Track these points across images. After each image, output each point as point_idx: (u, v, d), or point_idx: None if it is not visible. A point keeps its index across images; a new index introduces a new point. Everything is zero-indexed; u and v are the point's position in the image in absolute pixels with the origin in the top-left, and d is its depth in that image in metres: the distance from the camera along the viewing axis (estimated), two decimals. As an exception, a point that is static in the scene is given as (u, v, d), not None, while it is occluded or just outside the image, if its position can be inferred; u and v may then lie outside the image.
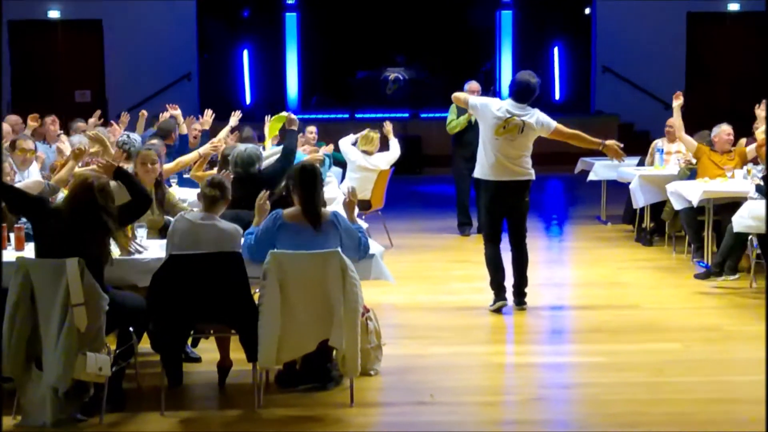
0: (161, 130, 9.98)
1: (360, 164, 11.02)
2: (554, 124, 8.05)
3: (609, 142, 8.05)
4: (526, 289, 8.14)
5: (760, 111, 10.18)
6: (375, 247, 6.51)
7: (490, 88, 20.25)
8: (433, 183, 18.06)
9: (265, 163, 7.97)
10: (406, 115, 20.26)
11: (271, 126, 9.83)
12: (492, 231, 8.16)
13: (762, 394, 6.08)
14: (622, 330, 7.63)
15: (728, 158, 10.12)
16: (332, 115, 20.07)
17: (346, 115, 20.22)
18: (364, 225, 7.12)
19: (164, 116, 10.80)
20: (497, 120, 7.94)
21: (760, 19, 20.39)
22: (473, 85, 11.76)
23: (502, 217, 8.13)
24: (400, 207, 13.76)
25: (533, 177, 8.03)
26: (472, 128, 11.14)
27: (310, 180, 6.10)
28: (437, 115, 20.43)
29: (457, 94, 8.47)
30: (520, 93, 7.99)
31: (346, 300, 5.77)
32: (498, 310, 8.01)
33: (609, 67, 20.18)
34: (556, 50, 21.31)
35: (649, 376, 6.48)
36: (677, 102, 10.30)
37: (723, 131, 10.19)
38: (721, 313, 8.13)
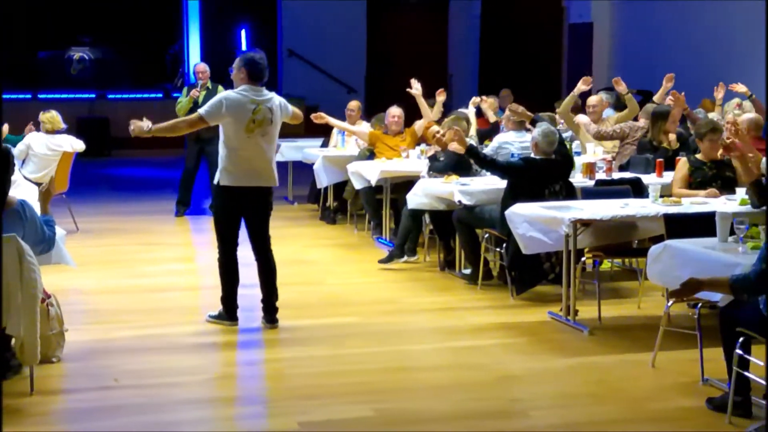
0: None
1: (41, 144, 10.64)
2: (291, 106, 7.25)
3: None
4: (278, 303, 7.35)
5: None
6: (57, 230, 6.39)
7: (178, 70, 20.16)
8: (122, 166, 17.72)
9: None
10: (93, 95, 19.79)
11: None
12: (231, 237, 7.15)
13: (437, 361, 6.55)
14: (306, 306, 7.89)
15: (401, 139, 10.65)
16: (13, 96, 19.23)
17: (29, 96, 19.47)
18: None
19: None
20: (245, 116, 6.87)
21: (436, 7, 21.50)
22: (200, 66, 11.87)
23: (240, 222, 7.18)
24: (87, 190, 13.47)
25: (277, 182, 7.17)
26: (198, 107, 10.90)
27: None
28: (125, 96, 20.12)
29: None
30: (257, 72, 6.93)
31: (23, 286, 5.62)
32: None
33: (295, 51, 20.57)
34: (243, 33, 21.47)
35: (331, 348, 6.75)
36: (319, 120, 10.70)
37: (389, 114, 10.72)
38: (398, 286, 8.58)
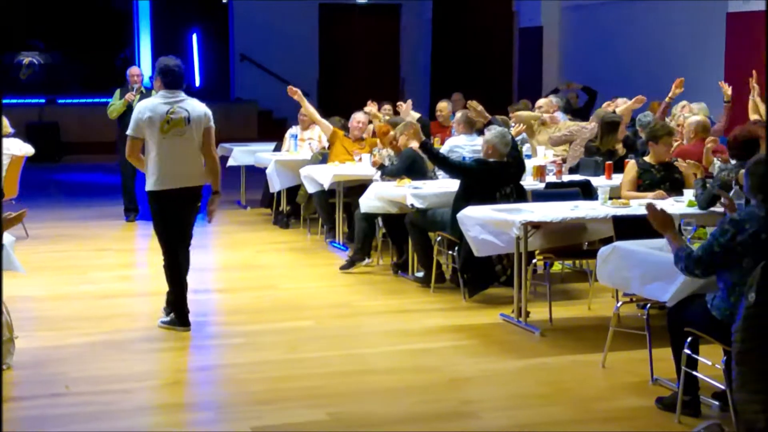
0: None
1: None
2: (212, 123, 7.22)
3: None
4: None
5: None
6: (4, 237, 6.34)
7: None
8: (72, 171, 17.57)
9: None
10: (42, 101, 19.59)
11: None
12: (172, 240, 7.20)
13: (391, 364, 6.58)
14: (260, 310, 7.88)
15: (359, 145, 10.68)
16: (-40, 101, 19.01)
17: (-24, 101, 19.23)
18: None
19: None
20: (159, 117, 7.02)
21: (388, 11, 21.56)
22: (134, 69, 11.84)
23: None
24: (37, 196, 13.34)
25: (206, 180, 7.27)
26: (131, 112, 10.81)
27: None
28: (75, 101, 19.94)
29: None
30: (171, 80, 7.13)
31: (-28, 294, 5.58)
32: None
33: (247, 55, 20.52)
34: (194, 37, 21.38)
35: (285, 353, 6.75)
36: (295, 96, 10.80)
37: (354, 119, 10.76)
38: (351, 290, 8.59)
